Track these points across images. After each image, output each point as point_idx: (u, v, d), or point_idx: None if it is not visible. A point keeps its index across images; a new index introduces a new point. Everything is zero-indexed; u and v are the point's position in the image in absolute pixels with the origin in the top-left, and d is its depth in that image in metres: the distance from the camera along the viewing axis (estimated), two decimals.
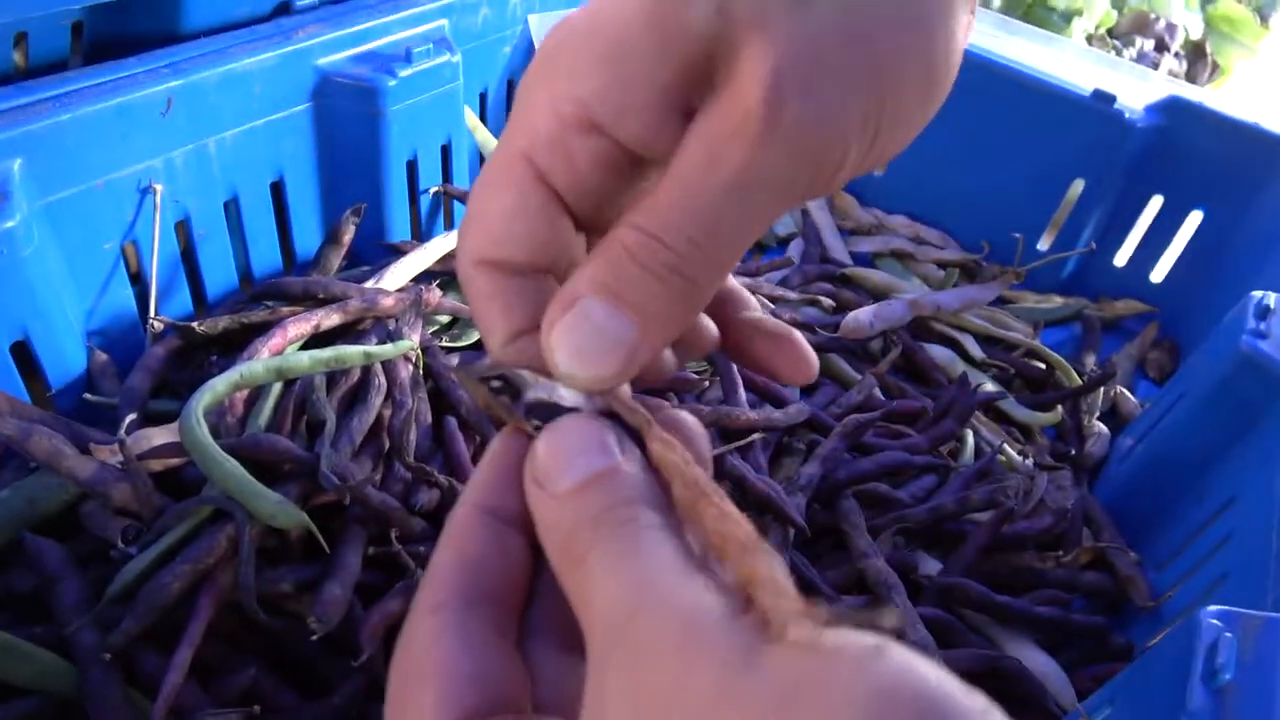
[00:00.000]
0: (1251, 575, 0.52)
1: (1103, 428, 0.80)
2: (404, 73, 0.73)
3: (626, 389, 0.30)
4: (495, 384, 0.28)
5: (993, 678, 0.57)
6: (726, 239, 0.25)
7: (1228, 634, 0.40)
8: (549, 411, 0.26)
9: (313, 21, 0.72)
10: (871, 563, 0.59)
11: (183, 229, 0.68)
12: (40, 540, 0.49)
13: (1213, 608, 0.43)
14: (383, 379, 0.61)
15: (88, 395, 0.60)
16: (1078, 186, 0.94)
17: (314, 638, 0.47)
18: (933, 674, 0.17)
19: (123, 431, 0.48)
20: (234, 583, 0.48)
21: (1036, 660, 0.59)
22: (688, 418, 0.29)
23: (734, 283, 0.34)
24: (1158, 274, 0.95)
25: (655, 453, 0.26)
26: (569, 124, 0.26)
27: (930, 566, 0.64)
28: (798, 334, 0.33)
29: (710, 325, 0.32)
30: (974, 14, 0.29)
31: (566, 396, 0.27)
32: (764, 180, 0.24)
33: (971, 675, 0.56)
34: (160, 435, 0.53)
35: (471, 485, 0.26)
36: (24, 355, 0.58)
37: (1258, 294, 0.66)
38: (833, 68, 0.24)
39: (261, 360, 0.55)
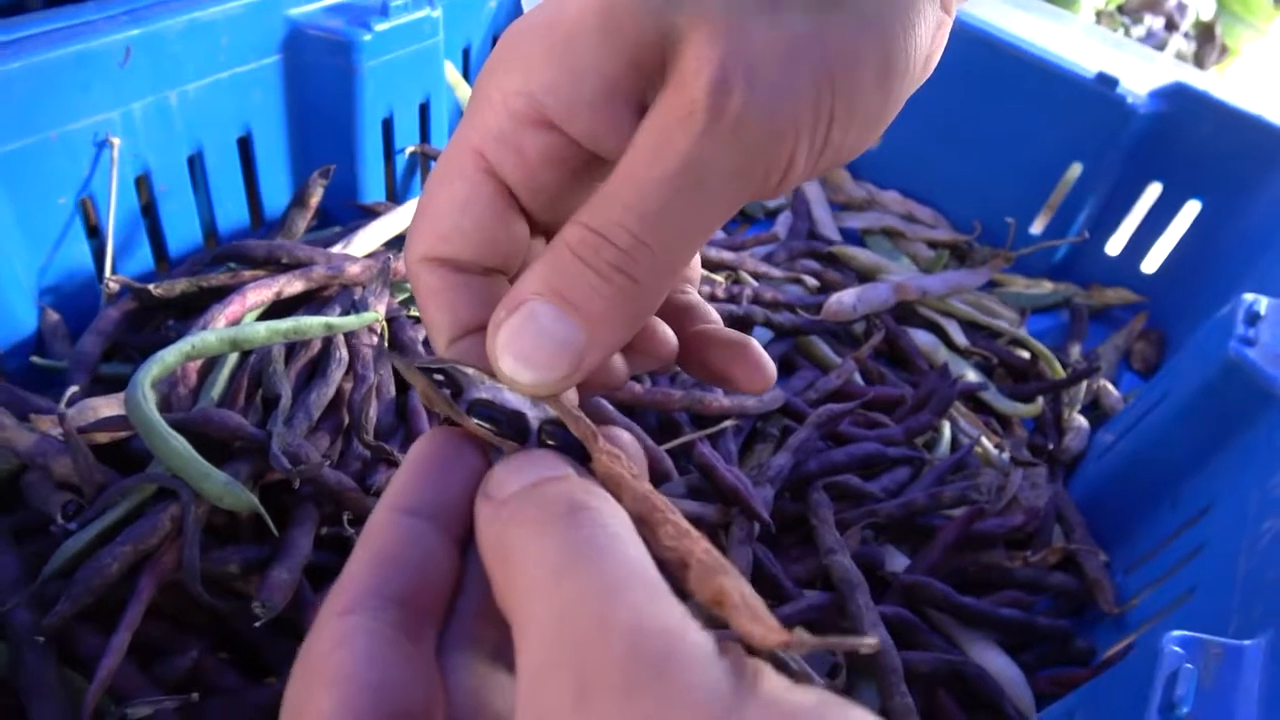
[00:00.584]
0: (1219, 592, 0.51)
1: (1083, 421, 0.79)
2: (380, 26, 0.70)
3: (573, 395, 0.29)
4: (438, 378, 0.27)
5: (953, 679, 0.57)
6: (672, 237, 0.24)
7: (1188, 665, 0.40)
8: (492, 411, 0.26)
9: None
10: (837, 559, 0.58)
11: (144, 184, 0.66)
12: None
13: (1175, 633, 0.42)
14: (344, 351, 0.59)
15: (35, 358, 0.58)
16: (1075, 170, 0.91)
17: (257, 624, 0.46)
18: None
19: (64, 404, 0.47)
20: (178, 563, 0.46)
21: (997, 663, 0.59)
22: (625, 436, 0.28)
23: (693, 295, 0.33)
24: (1150, 264, 0.93)
25: (601, 465, 0.24)
26: (520, 119, 0.25)
27: (898, 562, 0.63)
28: (754, 342, 0.32)
29: (668, 333, 0.31)
30: (951, 13, 0.27)
31: (511, 399, 0.26)
32: (709, 173, 0.23)
33: (933, 678, 0.56)
34: (107, 406, 0.51)
35: (391, 489, 0.25)
36: None
37: (1249, 298, 0.64)
38: (781, 62, 0.23)
39: (215, 330, 0.53)
